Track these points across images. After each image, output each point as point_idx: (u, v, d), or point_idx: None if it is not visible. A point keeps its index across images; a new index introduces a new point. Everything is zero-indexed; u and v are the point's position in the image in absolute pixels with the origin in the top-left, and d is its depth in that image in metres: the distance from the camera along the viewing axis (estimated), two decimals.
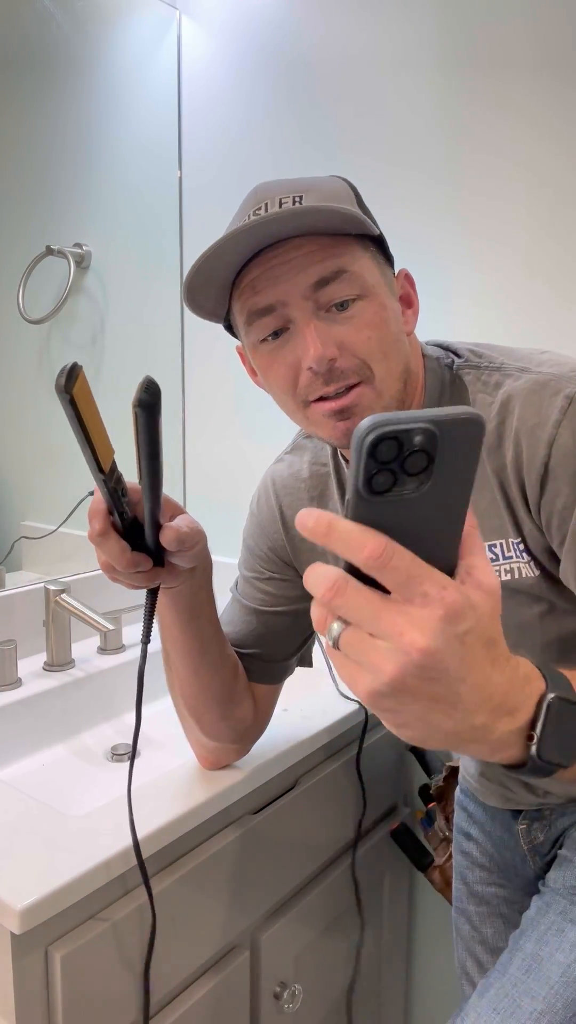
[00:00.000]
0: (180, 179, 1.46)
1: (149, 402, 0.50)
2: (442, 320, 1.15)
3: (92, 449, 0.52)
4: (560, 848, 0.85)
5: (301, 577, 0.87)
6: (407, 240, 1.17)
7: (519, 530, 0.68)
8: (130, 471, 0.56)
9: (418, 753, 1.22)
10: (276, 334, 0.66)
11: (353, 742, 1.10)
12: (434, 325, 1.14)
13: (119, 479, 0.57)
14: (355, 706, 1.08)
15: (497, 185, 1.09)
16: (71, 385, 0.47)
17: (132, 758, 0.72)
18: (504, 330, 1.11)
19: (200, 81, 1.41)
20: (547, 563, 0.69)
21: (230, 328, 0.73)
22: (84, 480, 1.35)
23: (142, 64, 1.38)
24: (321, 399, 0.66)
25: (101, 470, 0.54)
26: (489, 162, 1.09)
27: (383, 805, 1.20)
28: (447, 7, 1.10)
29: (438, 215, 1.15)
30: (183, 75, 1.43)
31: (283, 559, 0.86)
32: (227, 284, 0.68)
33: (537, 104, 1.04)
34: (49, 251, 1.26)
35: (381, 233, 0.69)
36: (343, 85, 1.22)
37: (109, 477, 0.55)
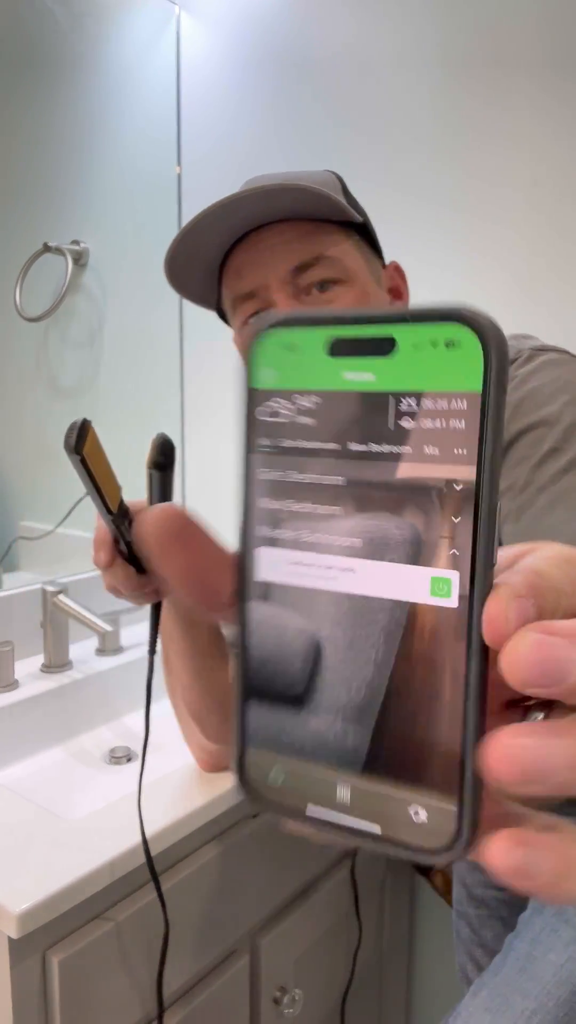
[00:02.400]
0: (179, 175, 1.45)
1: (164, 464, 0.51)
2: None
3: (101, 496, 0.53)
4: None
5: None
6: (402, 229, 1.16)
7: None
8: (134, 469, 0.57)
9: None
10: (258, 315, 0.67)
11: None
12: None
13: (125, 511, 0.57)
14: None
15: (495, 181, 1.08)
16: (81, 445, 0.48)
17: (142, 767, 0.71)
18: (501, 319, 1.10)
19: (199, 77, 1.40)
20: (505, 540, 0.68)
21: (223, 316, 0.73)
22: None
23: (141, 60, 1.37)
24: None
25: (109, 511, 0.54)
26: (488, 155, 1.08)
27: None
28: (447, 6, 1.09)
29: (436, 205, 1.14)
30: (182, 71, 1.42)
31: None
32: (213, 268, 0.69)
33: (537, 107, 1.03)
34: (47, 248, 1.25)
35: (366, 222, 0.69)
36: (342, 81, 1.21)
37: (117, 516, 0.56)
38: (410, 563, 0.18)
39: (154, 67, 1.39)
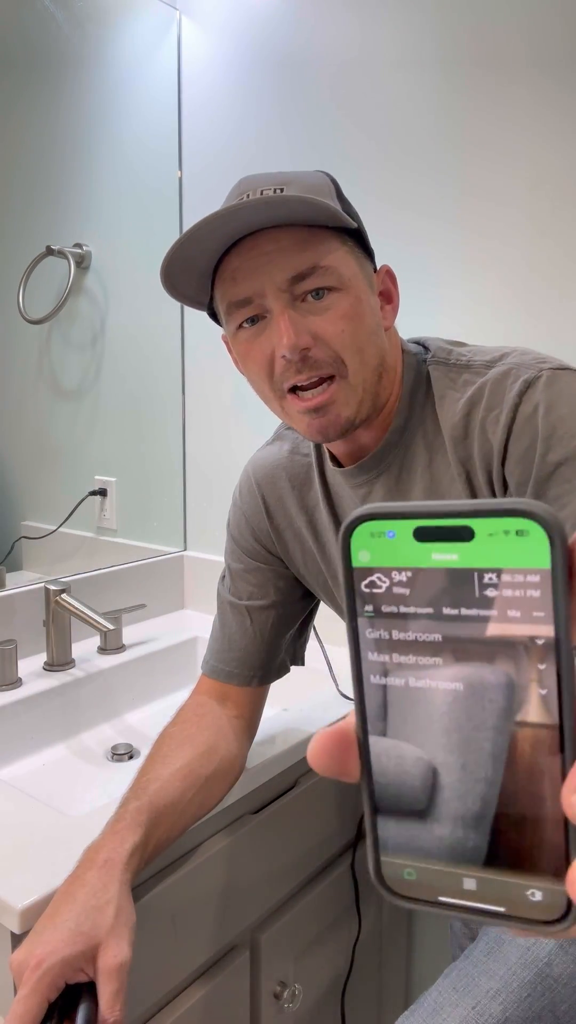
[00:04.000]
0: (180, 179, 1.46)
1: None
2: (435, 318, 1.15)
3: None
4: None
5: (287, 567, 0.88)
6: (402, 238, 1.17)
7: None
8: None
9: None
10: (253, 320, 0.68)
11: None
12: (427, 322, 1.14)
13: None
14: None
15: (494, 185, 1.09)
16: None
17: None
18: (499, 330, 1.11)
19: (200, 81, 1.41)
20: None
21: (214, 316, 0.74)
22: (84, 480, 1.35)
23: (142, 64, 1.38)
24: (295, 391, 0.68)
25: None
26: (487, 161, 1.09)
27: None
28: (446, 8, 1.10)
29: (435, 214, 1.15)
30: (183, 75, 1.43)
31: (268, 549, 0.87)
32: (208, 272, 0.69)
33: (536, 104, 1.04)
34: (49, 251, 1.26)
35: (360, 227, 0.70)
36: (343, 85, 1.22)
37: None
38: (506, 702, 0.22)
39: (155, 71, 1.40)
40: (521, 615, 0.21)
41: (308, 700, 1.08)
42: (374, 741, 0.24)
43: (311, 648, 0.97)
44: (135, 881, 0.68)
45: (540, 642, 0.21)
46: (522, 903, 0.22)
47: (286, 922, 0.98)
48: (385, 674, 0.24)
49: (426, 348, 0.76)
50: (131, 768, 1.07)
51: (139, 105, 1.38)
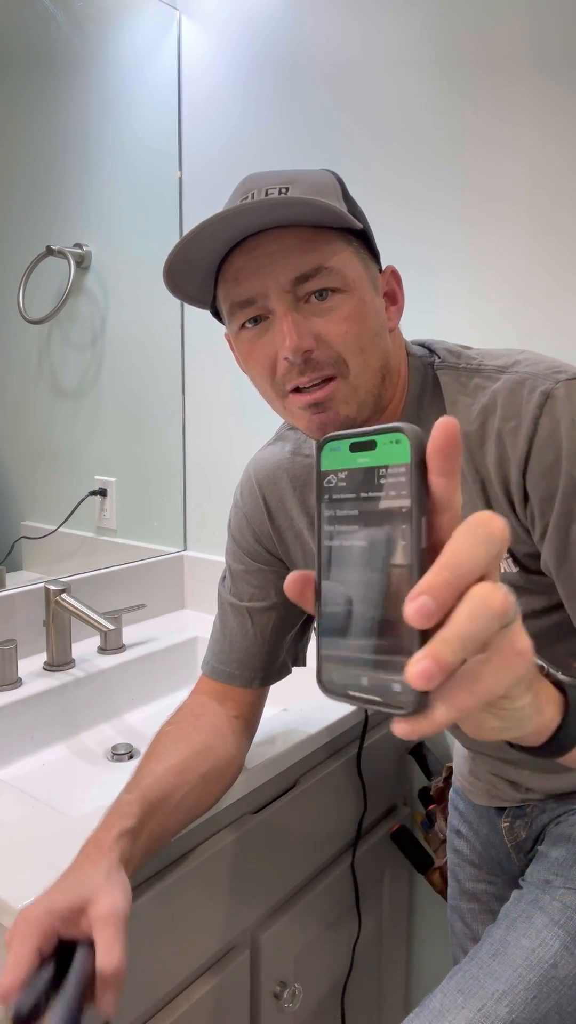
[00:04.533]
0: (180, 179, 1.46)
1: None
2: (438, 315, 1.15)
3: None
4: (539, 844, 0.86)
5: (288, 568, 0.88)
6: (404, 238, 1.17)
7: None
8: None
9: (418, 755, 1.22)
10: (256, 321, 0.68)
11: (353, 742, 1.10)
12: (429, 318, 1.15)
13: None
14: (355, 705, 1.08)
15: (495, 182, 1.09)
16: None
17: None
18: (501, 328, 1.11)
19: (200, 81, 1.41)
20: (524, 560, 0.70)
21: (217, 314, 0.74)
22: (84, 480, 1.35)
23: (142, 64, 1.38)
24: (297, 390, 0.67)
25: None
26: (488, 159, 1.09)
27: (383, 805, 1.20)
28: (446, 8, 1.10)
29: (436, 213, 1.15)
30: (183, 75, 1.43)
31: (269, 550, 0.87)
32: (211, 271, 0.69)
33: (536, 103, 1.04)
34: (49, 251, 1.26)
35: (365, 228, 0.69)
36: (343, 85, 1.22)
37: None
38: (388, 549, 0.33)
39: (155, 71, 1.40)
40: (396, 494, 0.33)
41: (308, 700, 1.08)
42: (324, 584, 0.36)
43: (312, 649, 0.97)
44: (133, 874, 0.67)
45: (404, 511, 0.32)
46: (391, 695, 0.32)
47: (286, 922, 0.98)
48: (331, 538, 0.36)
49: (431, 351, 0.75)
50: (131, 768, 1.07)
51: (139, 105, 1.38)
